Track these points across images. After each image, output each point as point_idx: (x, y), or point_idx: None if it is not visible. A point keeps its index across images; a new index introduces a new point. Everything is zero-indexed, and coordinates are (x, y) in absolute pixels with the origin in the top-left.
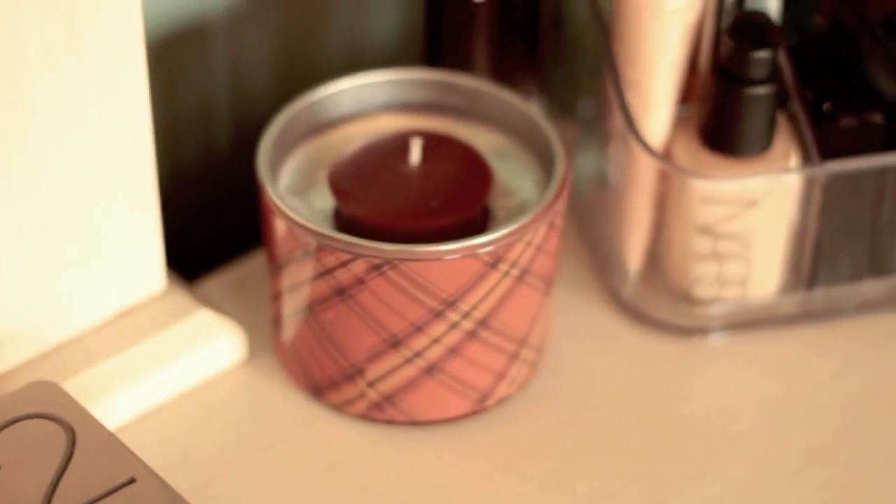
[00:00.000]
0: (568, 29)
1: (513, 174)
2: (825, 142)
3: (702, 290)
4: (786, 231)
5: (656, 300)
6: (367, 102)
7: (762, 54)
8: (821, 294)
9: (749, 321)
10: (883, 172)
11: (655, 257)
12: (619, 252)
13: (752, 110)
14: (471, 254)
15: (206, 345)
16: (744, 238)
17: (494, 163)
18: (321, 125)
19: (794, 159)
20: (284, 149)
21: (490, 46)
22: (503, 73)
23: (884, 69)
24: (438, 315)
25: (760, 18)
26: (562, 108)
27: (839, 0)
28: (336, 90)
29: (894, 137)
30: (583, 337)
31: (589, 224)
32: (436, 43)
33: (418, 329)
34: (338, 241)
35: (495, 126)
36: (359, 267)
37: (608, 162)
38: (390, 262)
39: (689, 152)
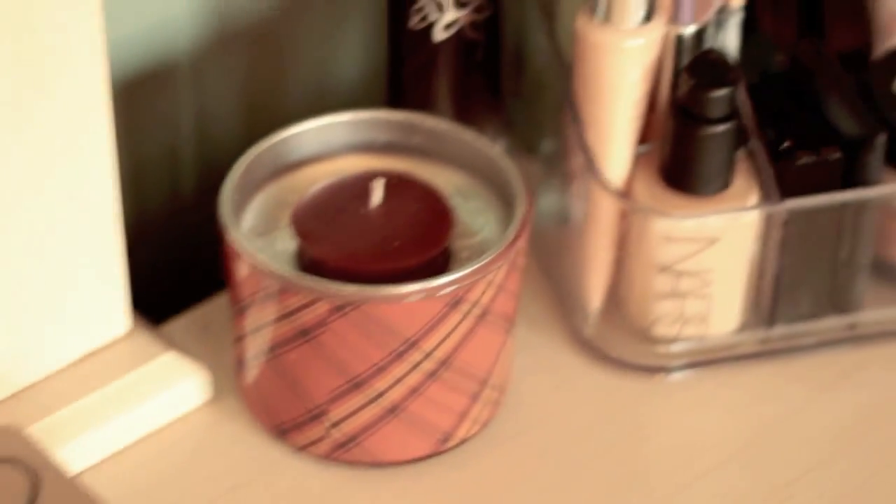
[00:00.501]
0: (529, 68)
1: (475, 214)
2: (784, 179)
3: (663, 329)
4: (746, 268)
5: (618, 339)
6: (329, 143)
7: (720, 93)
8: (781, 331)
9: (710, 359)
10: (841, 209)
11: (617, 295)
12: (580, 291)
13: (711, 149)
14: (432, 294)
15: (171, 387)
16: (704, 276)
17: (457, 202)
18: (284, 167)
19: (753, 197)
20: (248, 191)
21: (452, 86)
22: (466, 113)
23: (842, 106)
24: (400, 356)
25: (718, 57)
26: (524, 146)
27: (798, 38)
28: (298, 131)
29: (853, 174)
30: (545, 376)
31: (551, 262)
32: (398, 83)
33: (381, 370)
34: (300, 283)
35: (458, 166)
36: (321, 308)
37: (570, 200)
38: (352, 304)
39: (650, 191)
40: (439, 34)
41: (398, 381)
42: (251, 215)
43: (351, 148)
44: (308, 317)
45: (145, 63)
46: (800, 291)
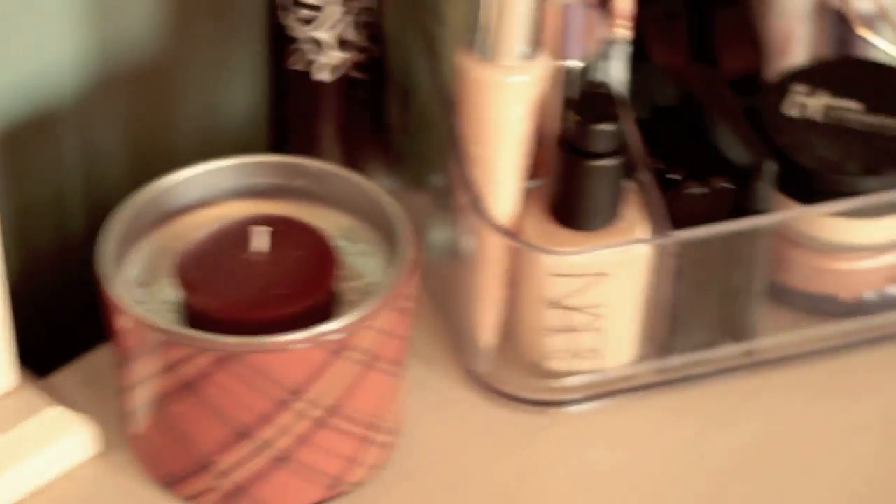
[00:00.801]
0: (416, 105)
1: (362, 256)
2: (674, 210)
3: (556, 363)
4: (638, 300)
5: (512, 374)
6: (214, 189)
7: (605, 127)
8: (677, 361)
9: (606, 391)
10: (733, 238)
11: (510, 331)
12: (472, 326)
13: (597, 183)
14: (316, 343)
15: (58, 441)
16: (596, 310)
17: (343, 245)
18: (168, 213)
19: (643, 229)
20: (131, 239)
21: (337, 127)
22: (353, 153)
23: (731, 134)
24: (286, 404)
25: (604, 91)
26: (415, 182)
27: (690, 65)
28: (182, 178)
29: (744, 202)
30: (439, 414)
31: (443, 297)
32: (281, 126)
33: (266, 420)
34: (180, 336)
35: (344, 208)
36: (203, 361)
37: (459, 235)
38: (235, 355)
39: (539, 226)
40: (320, 75)
41: (285, 430)
42: (135, 264)
43: (236, 192)
44: (191, 369)
45: (29, 109)
46: (694, 321)
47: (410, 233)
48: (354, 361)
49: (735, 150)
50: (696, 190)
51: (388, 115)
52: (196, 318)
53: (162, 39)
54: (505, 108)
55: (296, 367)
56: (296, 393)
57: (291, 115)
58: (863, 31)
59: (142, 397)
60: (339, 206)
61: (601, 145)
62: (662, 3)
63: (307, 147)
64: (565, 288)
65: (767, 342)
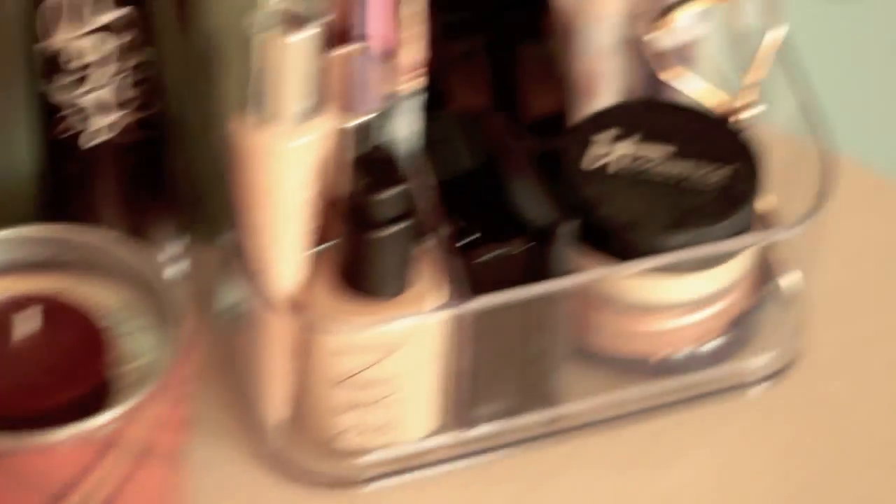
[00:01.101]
0: (200, 161)
1: (140, 333)
2: (470, 274)
3: (350, 440)
4: (435, 370)
5: (305, 453)
6: None
7: (386, 195)
8: (479, 431)
9: (405, 467)
10: (528, 303)
11: (300, 406)
12: (260, 402)
13: (383, 252)
14: (83, 438)
15: None
16: (389, 383)
17: (118, 323)
18: None
19: (437, 295)
20: None
21: (116, 192)
22: (138, 216)
23: (529, 192)
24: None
25: (384, 153)
26: (207, 239)
27: (486, 116)
28: None
29: (543, 263)
30: (228, 497)
31: (231, 368)
32: (52, 195)
33: None
34: None
35: (121, 279)
36: None
37: (245, 303)
38: None
39: (328, 295)
40: (90, 141)
41: None
42: None
43: (2, 268)
44: None
45: None
46: (496, 388)
47: (187, 310)
48: (127, 456)
49: (532, 208)
50: (488, 255)
51: (175, 171)
52: None
53: None
54: (279, 175)
55: (61, 465)
56: (62, 494)
57: (67, 183)
58: (666, 75)
59: None
60: (115, 278)
61: (384, 213)
62: (460, 42)
63: (86, 216)
64: (352, 363)
65: (574, 408)
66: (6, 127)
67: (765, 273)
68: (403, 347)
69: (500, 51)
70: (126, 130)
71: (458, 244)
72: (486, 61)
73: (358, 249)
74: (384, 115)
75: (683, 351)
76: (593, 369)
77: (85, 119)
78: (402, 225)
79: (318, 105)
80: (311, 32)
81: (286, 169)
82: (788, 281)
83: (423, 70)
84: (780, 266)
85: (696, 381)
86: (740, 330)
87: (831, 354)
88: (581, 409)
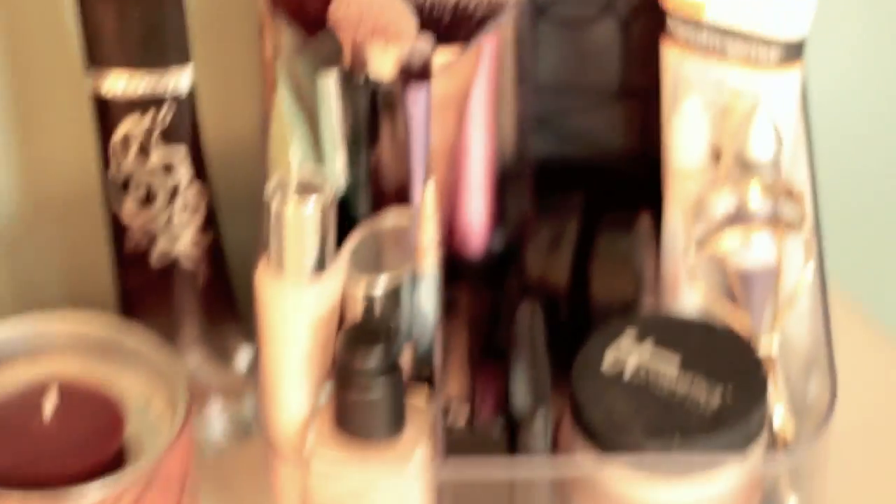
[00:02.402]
0: None
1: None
2: (448, 443)
3: None
4: None
5: None
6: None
7: (371, 363)
8: None
9: None
10: (505, 485)
11: None
12: None
13: (363, 410)
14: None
15: None
16: None
17: (136, 407)
18: None
19: (421, 449)
20: None
21: (178, 303)
22: (203, 327)
23: (524, 376)
24: None
25: (378, 327)
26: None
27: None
28: None
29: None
30: None
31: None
32: (125, 303)
33: None
34: None
35: (141, 370)
36: None
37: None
38: None
39: (325, 432)
40: (155, 257)
41: None
42: None
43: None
44: None
45: None
46: None
47: (189, 402)
48: None
49: (519, 393)
50: (466, 430)
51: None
52: None
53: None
54: (287, 321)
55: None
56: None
57: (138, 293)
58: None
59: None
60: (138, 367)
61: (366, 378)
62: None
63: (157, 322)
64: (335, 489)
65: None
66: (88, 245)
67: (767, 493)
68: (379, 487)
69: (586, 236)
70: (187, 250)
71: (444, 413)
72: (572, 245)
73: (342, 404)
74: (401, 286)
75: None
76: None
77: (152, 239)
78: (380, 391)
79: (327, 261)
80: (319, 200)
81: (291, 316)
82: None
83: (439, 248)
84: (782, 489)
85: None
86: None
87: None
88: None
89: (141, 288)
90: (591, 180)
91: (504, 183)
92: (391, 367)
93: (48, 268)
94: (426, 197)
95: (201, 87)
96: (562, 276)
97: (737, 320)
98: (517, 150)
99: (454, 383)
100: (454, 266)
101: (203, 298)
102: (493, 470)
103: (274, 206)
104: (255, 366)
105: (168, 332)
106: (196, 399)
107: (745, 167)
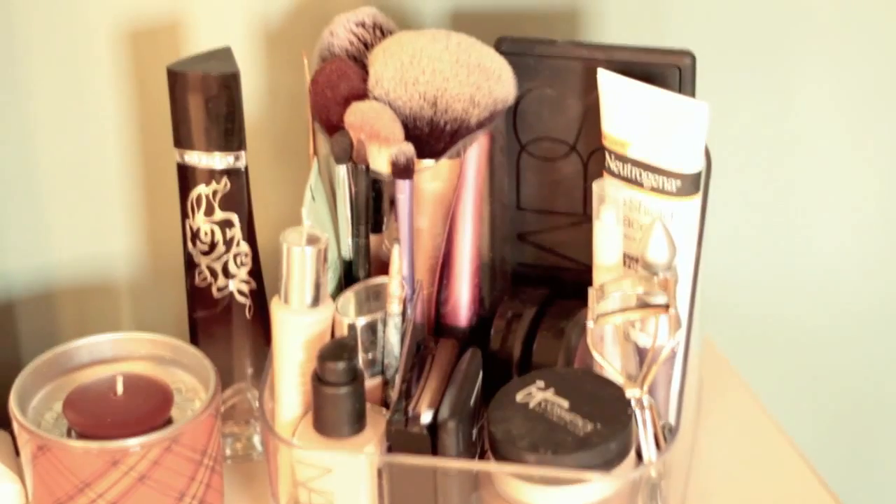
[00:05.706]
0: None
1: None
2: (389, 439)
3: None
4: (363, 496)
5: None
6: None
7: (340, 365)
8: None
9: None
10: (427, 472)
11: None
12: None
13: (333, 405)
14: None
15: None
16: (329, 494)
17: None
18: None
19: (374, 445)
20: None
21: (233, 329)
22: (255, 349)
23: (454, 398)
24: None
25: (347, 341)
26: None
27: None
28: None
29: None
30: None
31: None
32: (193, 328)
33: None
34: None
35: (186, 369)
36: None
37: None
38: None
39: (304, 432)
40: (217, 290)
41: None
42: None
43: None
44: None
45: None
46: None
47: (217, 392)
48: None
49: (447, 407)
50: (398, 427)
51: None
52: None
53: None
54: (285, 339)
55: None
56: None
57: (205, 320)
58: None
59: None
60: (184, 368)
61: (335, 378)
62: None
63: (217, 344)
64: (307, 473)
65: None
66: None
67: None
68: (336, 472)
69: (539, 319)
70: (242, 288)
71: (390, 415)
72: (527, 324)
73: (317, 402)
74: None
75: None
76: None
77: (214, 276)
78: (346, 389)
79: (320, 299)
80: (318, 247)
81: (290, 336)
82: None
83: (404, 300)
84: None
85: None
86: None
87: None
88: None
89: (206, 316)
90: (556, 280)
91: (489, 275)
92: (353, 378)
93: (164, 314)
94: (393, 260)
95: (254, 170)
96: (516, 344)
97: (616, 374)
98: (497, 254)
99: (426, 398)
100: (446, 330)
101: (250, 325)
102: (418, 460)
103: (285, 248)
104: (265, 372)
105: (226, 349)
106: (244, 412)
107: (646, 266)
